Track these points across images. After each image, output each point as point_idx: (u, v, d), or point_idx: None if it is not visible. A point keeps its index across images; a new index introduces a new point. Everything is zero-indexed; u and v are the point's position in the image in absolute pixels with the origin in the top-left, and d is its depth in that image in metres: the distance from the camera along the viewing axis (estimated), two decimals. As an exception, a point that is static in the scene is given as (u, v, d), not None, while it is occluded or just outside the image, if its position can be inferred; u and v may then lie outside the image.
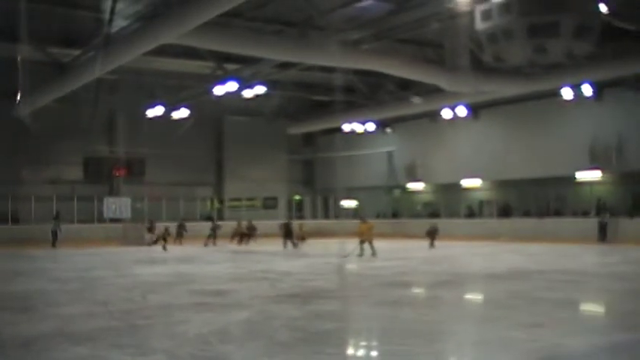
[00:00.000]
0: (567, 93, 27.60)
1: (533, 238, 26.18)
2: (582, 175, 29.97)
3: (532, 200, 31.45)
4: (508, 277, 14.42)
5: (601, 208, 23.99)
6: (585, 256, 19.46)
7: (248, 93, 28.48)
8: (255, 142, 38.33)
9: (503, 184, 33.36)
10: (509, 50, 22.91)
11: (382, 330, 8.22)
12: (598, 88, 27.38)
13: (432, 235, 23.07)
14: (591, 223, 26.73)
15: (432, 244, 22.77)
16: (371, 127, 36.37)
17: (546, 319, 8.60)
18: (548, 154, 29.99)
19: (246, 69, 26.59)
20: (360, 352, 7.31)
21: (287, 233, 24.93)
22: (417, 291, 13.40)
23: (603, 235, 25.16)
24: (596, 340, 7.36)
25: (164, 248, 24.34)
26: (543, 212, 30.20)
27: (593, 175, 29.64)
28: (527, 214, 30.98)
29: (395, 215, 37.77)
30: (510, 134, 32.51)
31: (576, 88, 27.14)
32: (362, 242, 20.00)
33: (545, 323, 8.30)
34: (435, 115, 33.78)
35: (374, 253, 19.45)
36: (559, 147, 29.76)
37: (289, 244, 24.58)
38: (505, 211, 32.45)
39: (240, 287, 12.87)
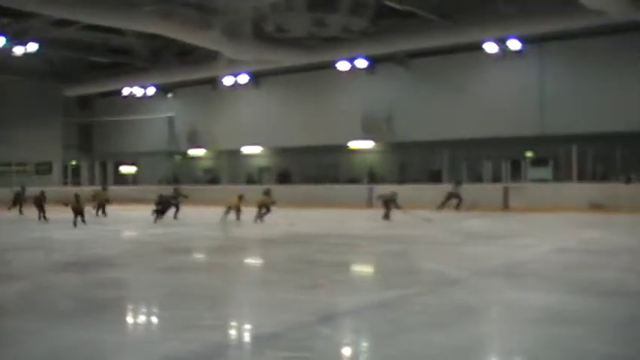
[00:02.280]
0: (343, 65, 28.95)
1: (310, 204, 27.29)
2: (355, 144, 31.75)
3: (309, 167, 32.75)
4: (287, 241, 15.02)
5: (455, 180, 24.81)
6: (358, 221, 20.70)
7: (19, 50, 26.63)
8: (26, 104, 35.92)
9: (282, 152, 34.35)
10: (291, 22, 23.58)
11: (165, 296, 8.28)
12: (372, 62, 29.01)
13: (387, 204, 20.37)
14: (362, 190, 28.45)
15: (386, 216, 20.11)
16: (151, 91, 35.60)
17: (324, 281, 9.16)
18: (325, 123, 31.37)
19: (17, 24, 24.81)
20: (142, 319, 7.35)
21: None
22: (199, 257, 13.56)
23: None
24: (368, 297, 7.99)
25: None
26: (320, 179, 31.57)
27: (366, 145, 31.53)
28: (305, 180, 32.19)
29: (176, 181, 37.44)
30: (290, 103, 33.49)
31: (350, 61, 28.55)
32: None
33: (323, 284, 8.85)
34: (216, 82, 33.85)
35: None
36: (335, 117, 31.23)
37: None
38: (284, 178, 33.47)
39: (14, 257, 12.26)
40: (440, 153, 27.98)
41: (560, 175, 25.50)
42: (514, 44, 25.18)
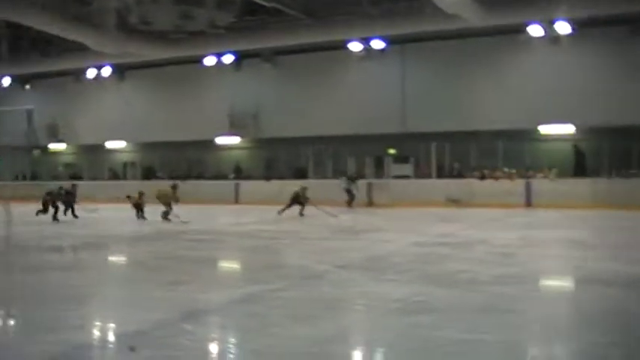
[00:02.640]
0: (210, 61, 28.75)
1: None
2: (222, 140, 31.61)
3: (175, 163, 32.29)
4: (153, 238, 14.80)
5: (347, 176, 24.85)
6: (225, 217, 20.68)
7: None
8: None
9: (147, 147, 33.64)
10: (156, 14, 23.11)
11: (30, 296, 7.97)
12: (238, 58, 28.98)
13: (298, 199, 20.08)
14: (229, 185, 28.40)
15: (301, 212, 20.04)
16: (7, 82, 33.81)
17: (188, 277, 9.12)
18: (192, 118, 31.03)
19: None
20: (6, 321, 7.05)
21: None
22: (63, 255, 13.09)
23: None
24: (233, 292, 8.04)
25: None
26: (184, 176, 31.11)
27: (232, 141, 31.46)
28: (172, 177, 31.59)
29: (34, 177, 35.80)
30: (156, 97, 32.87)
31: (218, 56, 28.40)
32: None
33: (188, 281, 8.82)
34: (79, 74, 32.65)
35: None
36: (202, 112, 30.96)
37: None
38: (149, 174, 32.78)
39: None
40: (305, 149, 28.39)
41: (420, 171, 26.52)
42: (377, 44, 25.93)
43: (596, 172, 23.43)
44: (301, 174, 28.34)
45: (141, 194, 19.32)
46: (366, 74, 27.93)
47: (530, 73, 25.25)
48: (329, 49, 27.44)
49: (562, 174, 23.96)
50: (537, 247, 12.59)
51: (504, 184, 23.68)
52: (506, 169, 24.24)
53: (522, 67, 25.50)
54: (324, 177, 27.50)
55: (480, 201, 22.88)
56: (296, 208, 19.83)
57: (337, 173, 26.39)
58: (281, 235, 15.22)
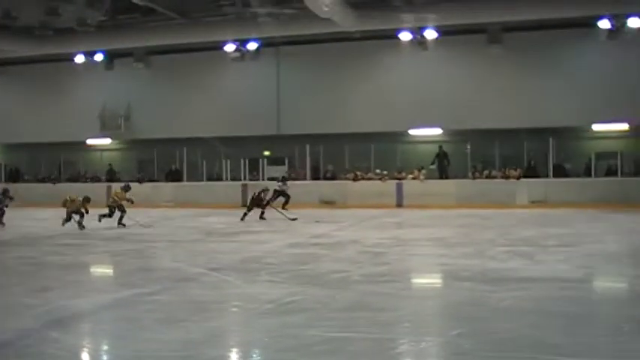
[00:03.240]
0: (80, 59, 27.80)
1: (44, 203, 25.82)
2: (93, 141, 30.65)
3: (44, 165, 31.04)
4: (19, 243, 14.20)
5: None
6: (95, 220, 20.02)
7: None
8: None
9: (13, 148, 32.13)
10: (21, 8, 22.14)
11: None
12: (110, 57, 28.19)
13: (259, 202, 19.28)
14: (101, 187, 27.55)
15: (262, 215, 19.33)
16: None
17: (57, 283, 8.83)
18: (62, 118, 29.91)
19: None
20: None
21: None
22: None
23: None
24: (102, 298, 7.86)
25: None
26: (54, 178, 29.95)
27: (104, 142, 30.58)
28: (41, 179, 30.29)
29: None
30: (24, 96, 31.41)
31: (88, 55, 27.51)
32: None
33: (56, 286, 8.53)
34: None
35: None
36: (72, 112, 29.91)
37: None
38: (15, 176, 31.29)
39: None
40: (179, 151, 27.99)
41: (296, 173, 26.76)
42: (252, 46, 25.97)
43: (461, 173, 24.60)
44: (175, 176, 27.94)
45: (86, 200, 17.15)
46: (240, 76, 27.87)
47: (400, 77, 26.06)
48: (203, 50, 27.20)
49: (430, 175, 24.96)
50: (407, 245, 13.04)
51: (376, 185, 24.34)
52: (378, 171, 24.92)
53: (393, 72, 26.27)
54: (198, 179, 27.24)
55: (353, 202, 23.39)
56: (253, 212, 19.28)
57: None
58: (154, 238, 14.95)
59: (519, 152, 24.39)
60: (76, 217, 16.75)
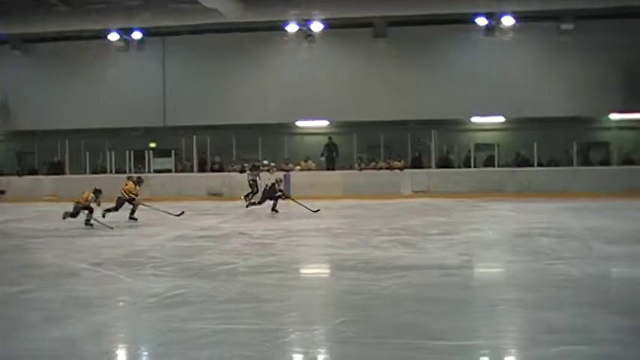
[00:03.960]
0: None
1: None
2: (-33, 133, 29.12)
3: None
4: None
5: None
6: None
7: None
8: None
9: None
10: None
11: None
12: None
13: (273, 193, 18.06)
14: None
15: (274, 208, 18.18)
16: None
17: None
18: None
19: None
20: None
21: None
22: None
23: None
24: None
25: None
26: None
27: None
28: None
29: None
30: None
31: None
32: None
33: None
34: None
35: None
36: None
37: None
38: None
39: None
40: (62, 143, 26.95)
41: (182, 165, 26.35)
42: (137, 35, 25.35)
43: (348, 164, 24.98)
44: (57, 169, 26.88)
45: (97, 192, 15.50)
46: (125, 66, 27.12)
47: (286, 69, 26.09)
48: (87, 39, 26.23)
49: (318, 166, 25.24)
50: (294, 236, 13.13)
51: (265, 177, 24.34)
52: (265, 162, 24.92)
53: (280, 63, 26.29)
54: (81, 172, 26.31)
55: (241, 194, 23.30)
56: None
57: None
58: (36, 233, 14.39)
59: (404, 143, 25.03)
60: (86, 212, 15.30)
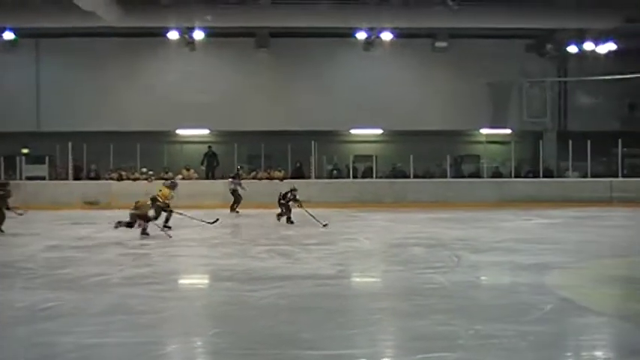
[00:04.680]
0: None
1: None
2: None
3: None
4: None
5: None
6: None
7: None
8: None
9: None
10: None
11: None
12: None
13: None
14: None
15: (289, 218, 17.10)
16: None
17: None
18: None
19: None
20: None
21: None
22: None
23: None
24: None
25: None
26: None
27: None
28: None
29: None
30: None
31: None
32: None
33: None
34: None
35: None
36: None
37: None
38: None
39: None
40: None
41: (56, 172, 25.38)
42: (8, 36, 24.25)
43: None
44: None
45: (154, 200, 15.08)
46: (-3, 68, 25.92)
47: (167, 76, 25.53)
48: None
49: (200, 175, 24.99)
50: (171, 247, 12.93)
51: (143, 186, 23.84)
52: (144, 170, 24.42)
53: (160, 70, 25.78)
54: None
55: (118, 203, 22.72)
56: None
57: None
58: None
59: (285, 154, 25.19)
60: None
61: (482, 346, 5.80)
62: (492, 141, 27.28)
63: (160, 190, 15.58)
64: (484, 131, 27.09)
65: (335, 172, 25.73)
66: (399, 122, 25.57)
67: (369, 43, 24.69)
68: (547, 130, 26.94)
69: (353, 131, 27.07)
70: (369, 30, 23.65)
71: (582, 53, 24.72)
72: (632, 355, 5.78)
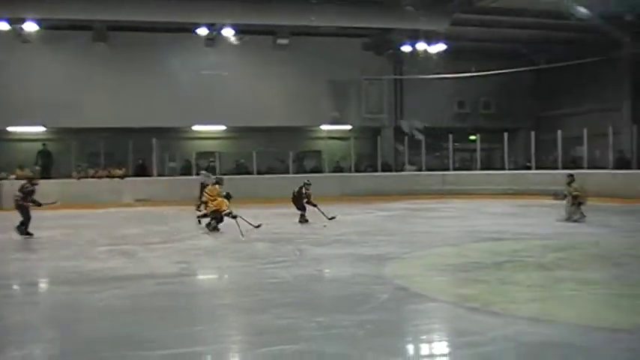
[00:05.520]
0: None
1: None
2: None
3: None
4: None
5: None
6: None
7: None
8: None
9: None
10: None
11: None
12: None
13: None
14: None
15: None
16: None
17: None
18: None
19: None
20: None
21: None
22: None
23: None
24: None
25: None
26: None
27: None
28: None
29: None
30: None
31: None
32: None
33: None
34: None
35: None
36: None
37: None
38: None
39: None
40: None
41: None
42: None
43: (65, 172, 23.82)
44: None
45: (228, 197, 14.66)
46: None
47: (9, 71, 24.31)
48: None
49: (35, 175, 23.68)
50: (10, 250, 12.29)
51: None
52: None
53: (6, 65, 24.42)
54: None
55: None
56: None
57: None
58: None
59: (125, 152, 24.47)
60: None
61: (323, 337, 6.00)
62: (333, 137, 28.03)
63: (210, 188, 15.36)
64: (325, 127, 27.77)
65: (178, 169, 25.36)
66: (242, 118, 25.65)
67: (210, 39, 24.51)
68: (385, 126, 28.06)
69: (195, 127, 26.84)
70: (210, 26, 23.49)
71: (416, 53, 25.90)
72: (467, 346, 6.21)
